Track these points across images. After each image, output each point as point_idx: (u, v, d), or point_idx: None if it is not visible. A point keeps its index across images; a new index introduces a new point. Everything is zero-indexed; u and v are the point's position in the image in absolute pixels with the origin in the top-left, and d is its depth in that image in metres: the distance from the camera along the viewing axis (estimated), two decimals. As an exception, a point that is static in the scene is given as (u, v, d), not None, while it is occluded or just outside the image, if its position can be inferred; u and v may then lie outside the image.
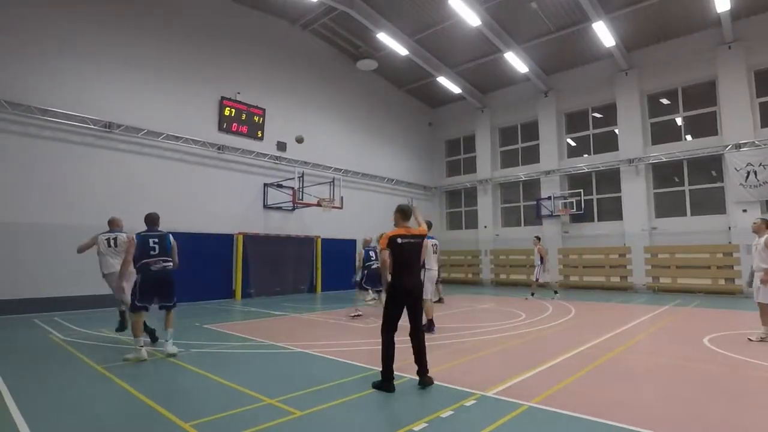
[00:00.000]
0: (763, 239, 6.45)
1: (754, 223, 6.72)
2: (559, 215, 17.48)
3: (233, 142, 13.98)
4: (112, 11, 11.72)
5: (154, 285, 5.58)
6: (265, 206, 14.78)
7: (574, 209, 17.13)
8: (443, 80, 18.54)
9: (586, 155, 17.69)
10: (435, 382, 4.32)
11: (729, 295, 13.53)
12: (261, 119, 14.73)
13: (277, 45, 15.67)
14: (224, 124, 13.80)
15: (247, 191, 14.38)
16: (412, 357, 4.37)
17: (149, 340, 6.28)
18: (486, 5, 14.16)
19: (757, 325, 6.72)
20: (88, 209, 10.55)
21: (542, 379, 4.56)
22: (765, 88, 13.85)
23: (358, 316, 9.18)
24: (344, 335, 7.34)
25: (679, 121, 15.66)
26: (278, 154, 15.23)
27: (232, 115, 14.02)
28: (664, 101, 15.98)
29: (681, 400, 3.99)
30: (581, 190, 17.11)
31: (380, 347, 4.29)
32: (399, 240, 4.41)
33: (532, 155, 19.11)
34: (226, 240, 13.64)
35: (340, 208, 14.66)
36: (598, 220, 17.19)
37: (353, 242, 16.70)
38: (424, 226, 4.95)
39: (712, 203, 14.67)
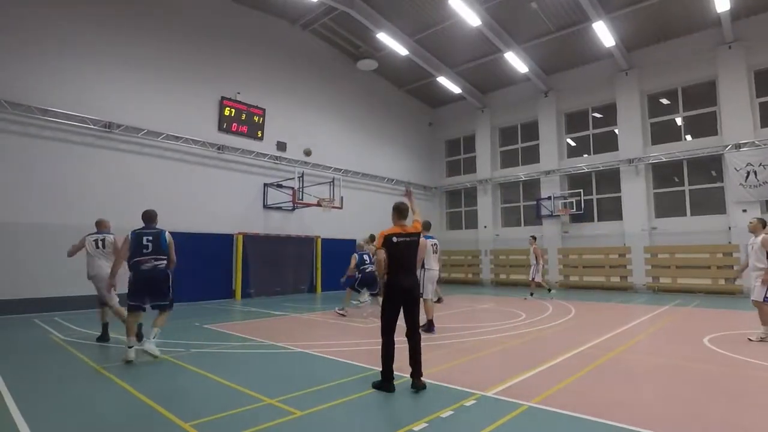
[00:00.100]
0: (759, 239, 6.49)
1: (750, 223, 6.77)
2: (559, 215, 17.48)
3: (233, 142, 13.98)
4: (112, 11, 11.72)
5: (144, 284, 5.48)
6: (265, 206, 14.77)
7: (574, 209, 17.13)
8: (443, 80, 18.53)
9: (586, 155, 17.69)
10: (435, 382, 4.32)
11: (729, 295, 13.52)
12: (261, 119, 14.72)
13: (277, 45, 15.66)
14: (224, 124, 13.80)
15: (247, 191, 14.37)
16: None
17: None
18: (486, 5, 14.16)
19: (756, 325, 6.72)
20: (88, 209, 10.50)
21: (542, 379, 4.56)
22: (765, 88, 13.85)
23: (343, 315, 9.31)
24: (344, 335, 7.34)
25: (679, 121, 15.66)
26: (278, 154, 15.22)
27: (232, 115, 14.02)
28: (664, 101, 15.97)
29: (681, 400, 3.99)
30: (581, 190, 17.11)
31: (380, 347, 4.29)
32: (394, 239, 4.40)
33: (532, 155, 19.11)
34: (226, 240, 13.64)
35: (340, 208, 14.66)
36: (598, 220, 17.18)
37: (353, 242, 16.58)
38: (419, 217, 4.94)
39: (712, 203, 14.66)
